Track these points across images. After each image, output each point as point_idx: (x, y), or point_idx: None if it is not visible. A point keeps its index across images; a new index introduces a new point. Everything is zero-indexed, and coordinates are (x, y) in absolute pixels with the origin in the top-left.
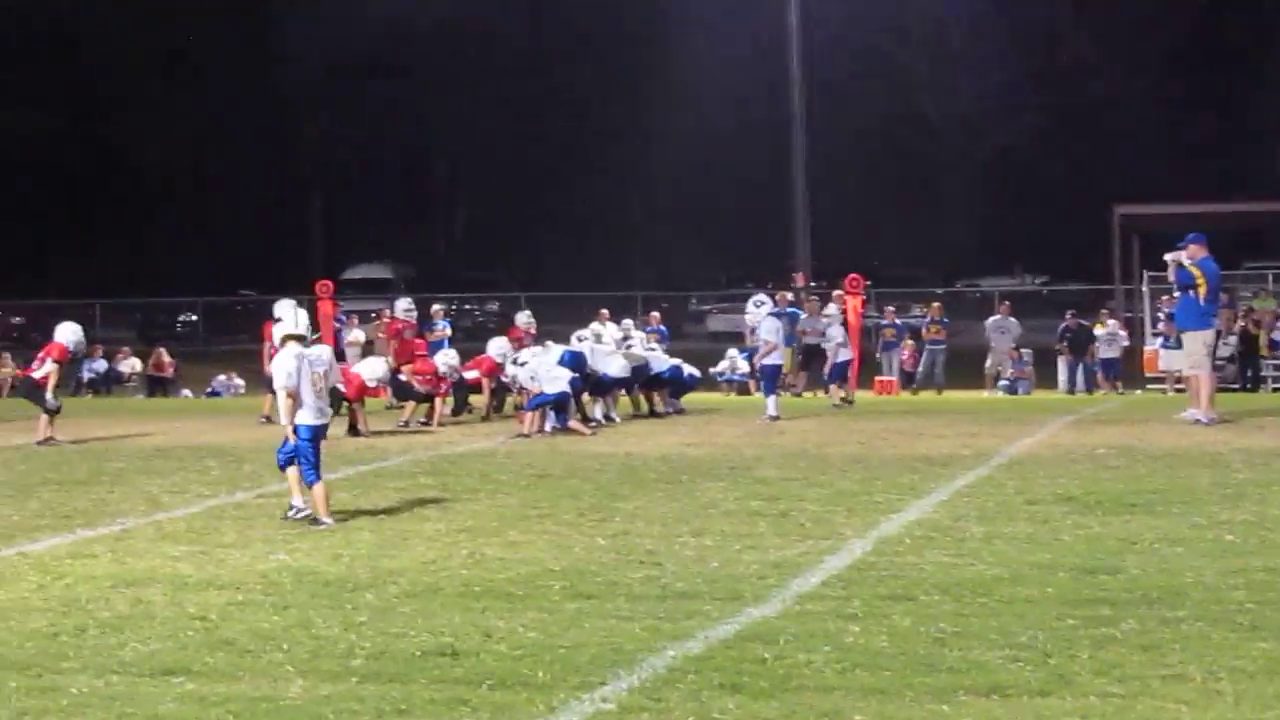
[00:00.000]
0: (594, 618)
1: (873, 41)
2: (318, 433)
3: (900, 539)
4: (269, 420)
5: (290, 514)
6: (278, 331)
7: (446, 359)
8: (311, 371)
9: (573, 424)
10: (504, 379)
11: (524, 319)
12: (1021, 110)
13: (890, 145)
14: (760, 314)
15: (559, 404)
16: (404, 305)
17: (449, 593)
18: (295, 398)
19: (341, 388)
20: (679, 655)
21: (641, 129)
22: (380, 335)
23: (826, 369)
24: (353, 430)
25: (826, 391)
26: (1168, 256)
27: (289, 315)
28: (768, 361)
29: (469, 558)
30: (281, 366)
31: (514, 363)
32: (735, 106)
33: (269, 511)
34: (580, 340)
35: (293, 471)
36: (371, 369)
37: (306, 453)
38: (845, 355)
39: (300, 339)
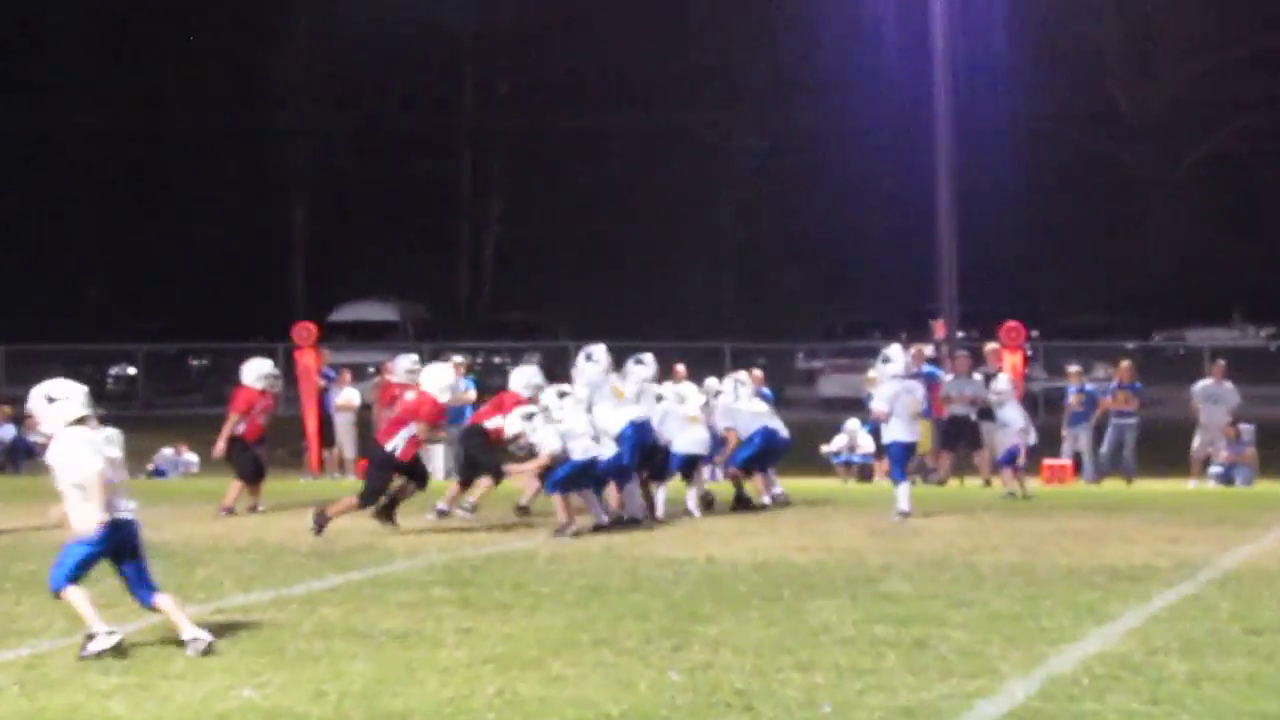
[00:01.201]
0: None
1: (1045, 12)
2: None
3: (1075, 679)
4: (231, 512)
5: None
6: (58, 414)
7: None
8: (105, 458)
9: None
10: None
11: (527, 377)
12: (1246, 104)
13: (1067, 149)
14: (884, 373)
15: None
16: (406, 365)
17: None
18: (92, 490)
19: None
20: None
21: (732, 123)
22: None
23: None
24: (387, 511)
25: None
26: None
27: (72, 394)
28: (897, 438)
29: (497, 697)
30: (72, 458)
31: (526, 417)
32: (856, 92)
33: (230, 630)
34: (655, 399)
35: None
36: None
37: (78, 557)
38: (1030, 439)
39: (85, 420)
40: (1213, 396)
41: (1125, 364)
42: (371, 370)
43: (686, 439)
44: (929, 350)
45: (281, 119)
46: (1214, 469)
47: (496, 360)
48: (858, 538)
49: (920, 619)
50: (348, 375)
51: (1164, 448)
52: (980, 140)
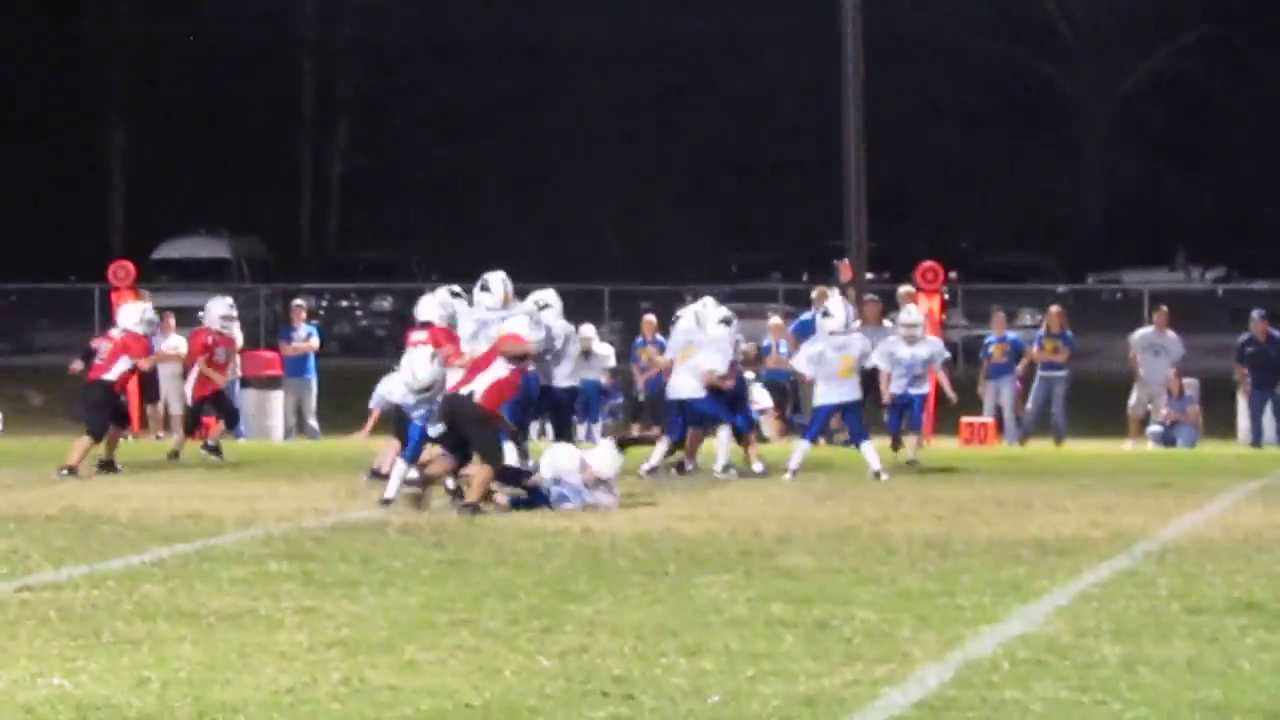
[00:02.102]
0: None
1: None
2: None
3: (995, 664)
4: (72, 472)
5: None
6: None
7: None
8: None
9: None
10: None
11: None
12: (1192, 19)
13: (994, 69)
14: (823, 328)
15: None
16: (221, 309)
17: None
18: None
19: None
20: None
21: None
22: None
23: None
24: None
25: (895, 445)
26: None
27: None
28: (825, 402)
29: (343, 685)
30: None
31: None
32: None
33: (40, 611)
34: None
35: None
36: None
37: None
38: (923, 388)
39: None
40: (1153, 347)
41: (1054, 310)
42: (200, 314)
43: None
44: (833, 294)
45: (95, 28)
46: (1154, 428)
47: (343, 303)
48: (752, 506)
49: (822, 597)
50: (172, 321)
51: (1097, 404)
52: (894, 58)
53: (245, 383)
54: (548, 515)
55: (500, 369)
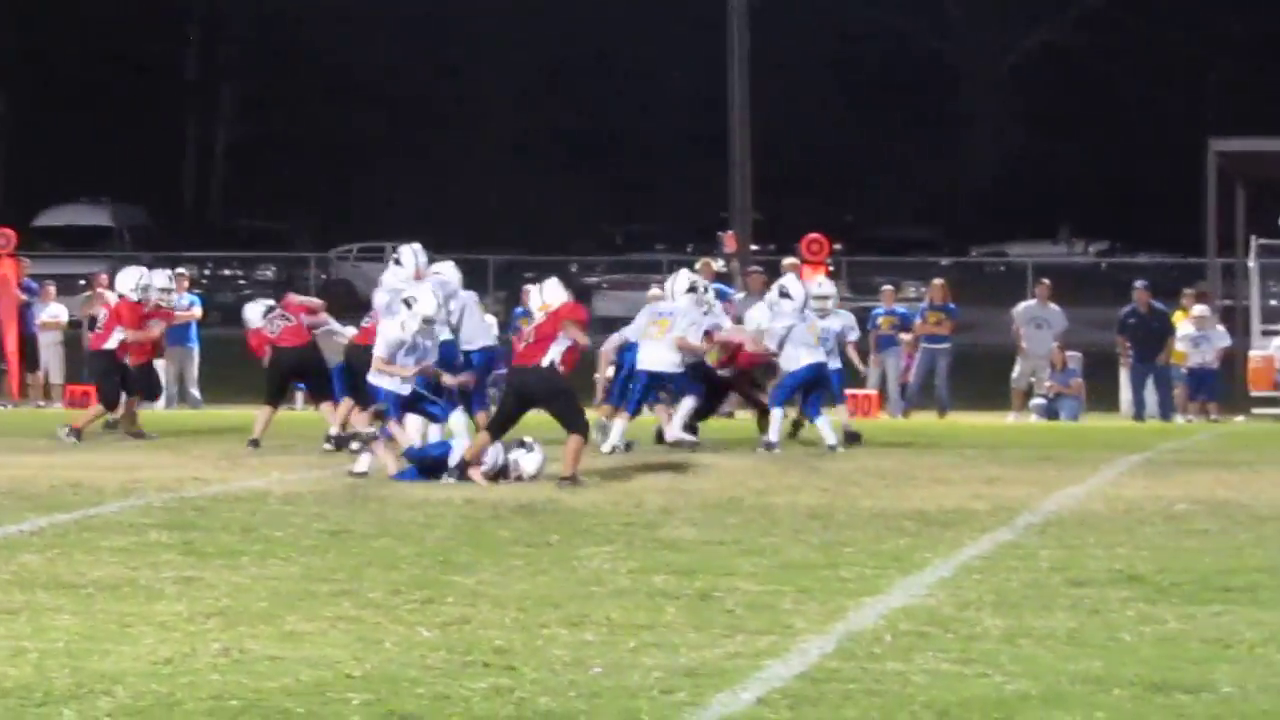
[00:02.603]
0: None
1: None
2: None
3: (877, 636)
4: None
5: None
6: None
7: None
8: None
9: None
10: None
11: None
12: None
13: (880, 40)
14: (783, 309)
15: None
16: (130, 280)
17: (192, 710)
18: None
19: None
20: None
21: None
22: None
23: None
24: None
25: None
26: None
27: None
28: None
29: (223, 656)
30: None
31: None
32: None
33: None
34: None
35: None
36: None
37: None
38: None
39: None
40: (1036, 320)
41: (938, 282)
42: (82, 283)
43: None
44: (718, 265)
45: None
46: (1037, 401)
47: (226, 272)
48: (636, 477)
49: (705, 569)
50: (53, 289)
51: (981, 377)
52: (781, 30)
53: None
54: (431, 486)
55: (565, 339)
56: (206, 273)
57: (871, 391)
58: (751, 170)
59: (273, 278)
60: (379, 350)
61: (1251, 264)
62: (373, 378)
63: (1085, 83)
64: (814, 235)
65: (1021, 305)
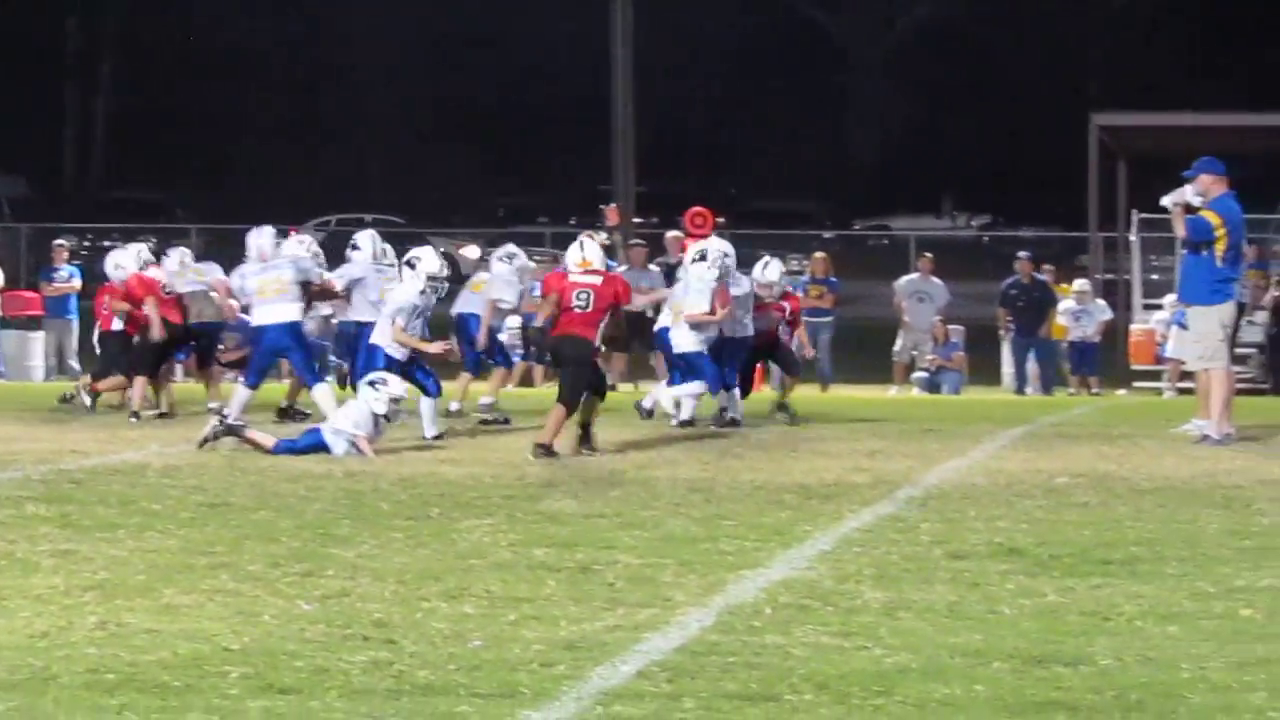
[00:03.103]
0: None
1: None
2: None
3: (757, 609)
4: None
5: None
6: None
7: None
8: None
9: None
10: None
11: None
12: None
13: (764, 11)
14: (503, 271)
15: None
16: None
17: (68, 683)
18: None
19: None
20: None
21: None
22: None
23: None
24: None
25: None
26: (1166, 200)
27: None
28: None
29: (100, 629)
30: None
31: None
32: None
33: None
34: None
35: None
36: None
37: None
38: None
39: None
40: (918, 293)
41: (819, 256)
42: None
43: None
44: (601, 238)
45: None
46: (919, 374)
47: (106, 243)
48: (517, 450)
49: (585, 542)
50: None
51: (863, 350)
52: (664, 2)
53: (4, 323)
54: (310, 459)
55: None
56: (86, 244)
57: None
58: (634, 143)
59: (153, 249)
60: (395, 317)
61: (1133, 238)
62: (379, 339)
63: (969, 57)
64: (697, 208)
65: (904, 279)
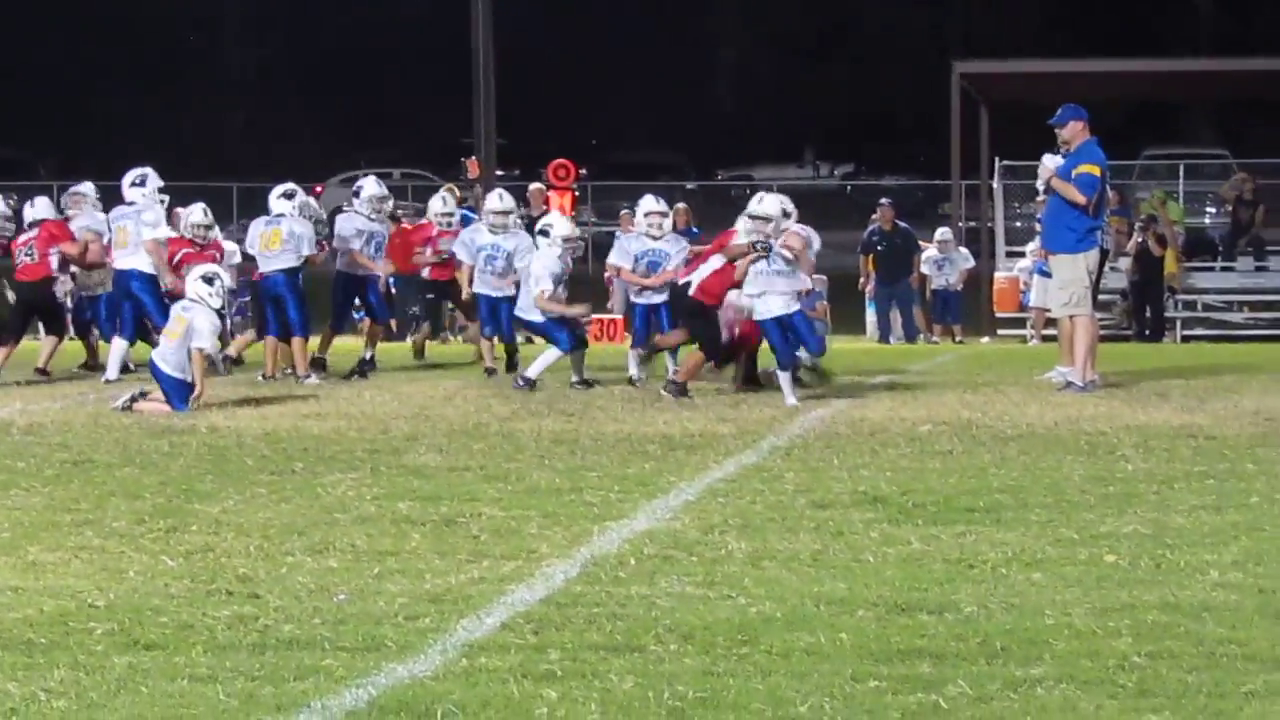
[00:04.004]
0: (157, 678)
1: None
2: None
3: (623, 560)
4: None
5: None
6: None
7: None
8: None
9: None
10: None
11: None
12: None
13: None
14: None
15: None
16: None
17: None
18: None
19: None
20: None
21: None
22: None
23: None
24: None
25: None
26: (1041, 184)
27: None
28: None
29: None
30: None
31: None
32: None
33: None
34: None
35: None
36: None
37: None
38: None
39: None
40: None
41: (682, 207)
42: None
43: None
44: (460, 191)
45: None
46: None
47: None
48: (381, 404)
49: (450, 495)
50: None
51: None
52: None
53: None
54: (174, 414)
55: (716, 262)
56: None
57: (617, 316)
58: (495, 95)
59: (12, 207)
60: (544, 284)
61: (995, 185)
62: (526, 312)
63: (830, 6)
64: (560, 160)
65: None
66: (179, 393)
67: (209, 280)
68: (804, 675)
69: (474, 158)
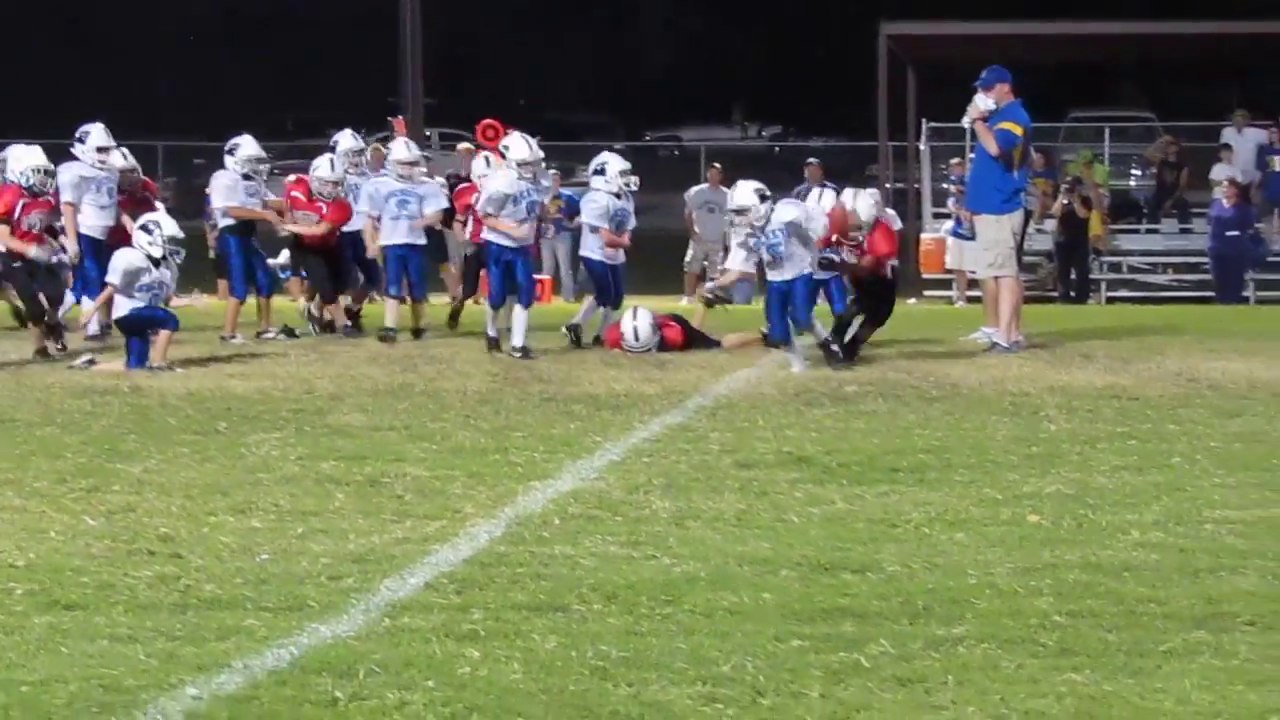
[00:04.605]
0: (77, 639)
1: None
2: None
3: (547, 519)
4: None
5: None
6: None
7: None
8: None
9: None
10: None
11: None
12: None
13: None
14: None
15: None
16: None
17: None
18: None
19: None
20: (206, 695)
21: None
22: None
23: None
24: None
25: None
26: (967, 120)
27: None
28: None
29: None
30: None
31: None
32: None
33: None
34: None
35: None
36: None
37: None
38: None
39: None
40: (709, 204)
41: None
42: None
43: None
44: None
45: None
46: (710, 286)
47: None
48: (306, 364)
49: (374, 455)
50: None
51: (654, 261)
52: None
53: None
54: (97, 374)
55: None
56: None
57: (544, 276)
58: (423, 54)
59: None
60: (598, 225)
61: (922, 147)
62: (587, 250)
63: None
64: (488, 120)
65: (694, 189)
66: (138, 350)
67: (147, 230)
68: (727, 634)
69: (401, 117)
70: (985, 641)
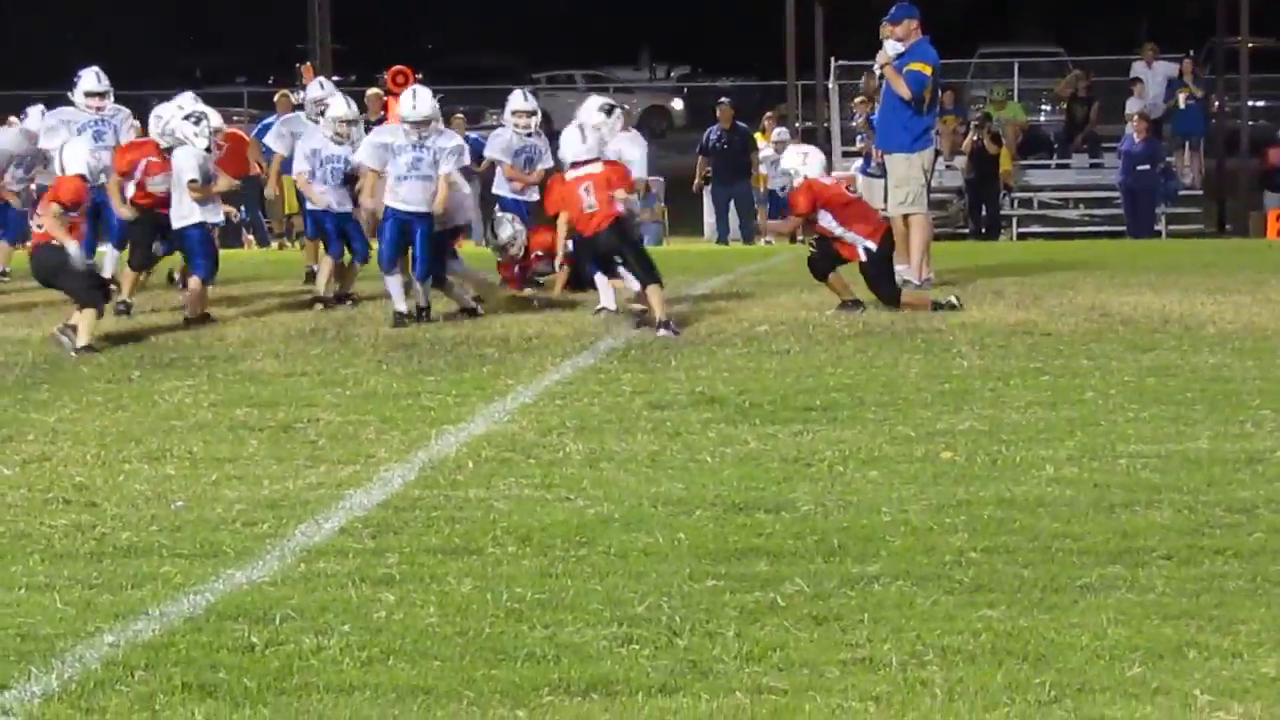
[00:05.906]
0: None
1: None
2: None
3: (460, 463)
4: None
5: None
6: None
7: None
8: None
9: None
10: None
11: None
12: None
13: None
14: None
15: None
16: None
17: None
18: None
19: None
20: (122, 642)
21: None
22: None
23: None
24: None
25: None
26: (878, 66)
27: None
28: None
29: None
30: None
31: None
32: None
33: None
34: None
35: None
36: None
37: None
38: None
39: None
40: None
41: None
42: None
43: None
44: (297, 98)
45: None
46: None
47: None
48: (219, 312)
49: (287, 400)
50: None
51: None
52: None
53: None
54: (11, 323)
55: None
56: None
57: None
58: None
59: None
60: (301, 167)
61: (831, 86)
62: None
63: None
64: (398, 67)
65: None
66: (204, 251)
67: (196, 120)
68: (641, 575)
69: (309, 64)
70: (900, 579)
